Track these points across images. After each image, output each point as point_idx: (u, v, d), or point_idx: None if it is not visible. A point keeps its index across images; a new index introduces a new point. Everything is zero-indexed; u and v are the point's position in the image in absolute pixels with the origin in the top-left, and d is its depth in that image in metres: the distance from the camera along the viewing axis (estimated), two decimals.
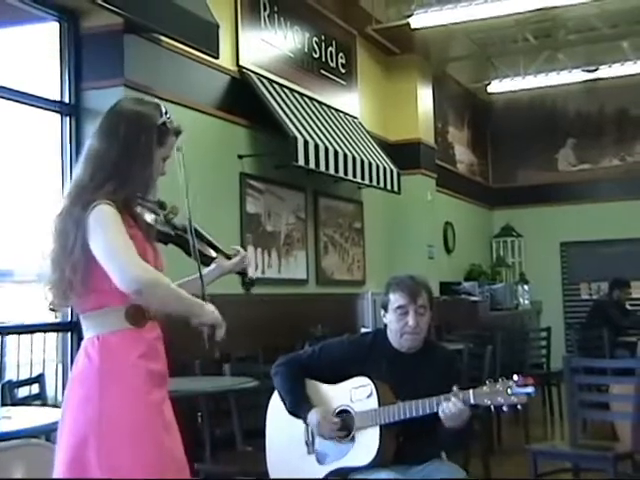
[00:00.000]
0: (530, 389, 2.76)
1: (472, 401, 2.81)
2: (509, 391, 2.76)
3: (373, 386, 3.01)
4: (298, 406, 3.08)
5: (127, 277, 2.13)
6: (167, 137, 2.37)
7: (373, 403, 3.00)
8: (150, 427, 2.23)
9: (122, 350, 2.24)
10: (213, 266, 2.60)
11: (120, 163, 2.27)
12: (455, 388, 2.84)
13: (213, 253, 2.60)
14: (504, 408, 2.79)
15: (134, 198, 2.31)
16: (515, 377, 2.78)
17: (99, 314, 2.26)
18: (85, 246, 2.20)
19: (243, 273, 2.69)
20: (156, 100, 2.46)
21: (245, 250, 2.71)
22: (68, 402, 2.27)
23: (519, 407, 2.79)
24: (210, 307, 2.31)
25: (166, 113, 2.38)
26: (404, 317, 3.08)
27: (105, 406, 2.19)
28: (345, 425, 3.03)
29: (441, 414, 2.83)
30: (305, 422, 3.06)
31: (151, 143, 2.32)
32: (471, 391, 2.82)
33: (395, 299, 3.11)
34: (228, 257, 2.64)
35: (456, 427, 2.85)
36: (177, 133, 2.42)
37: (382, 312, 3.19)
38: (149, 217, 2.39)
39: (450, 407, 2.81)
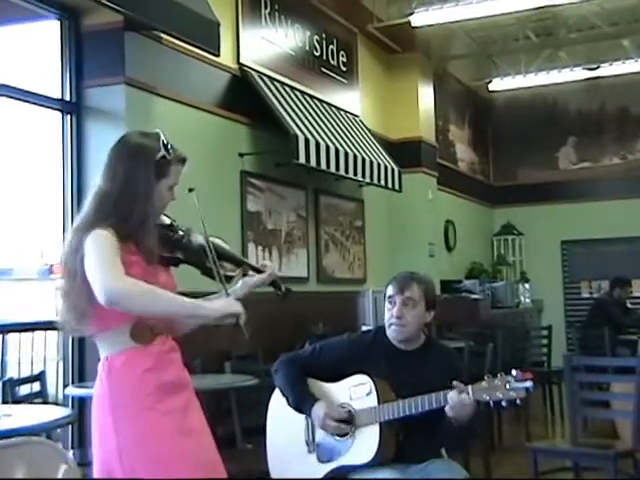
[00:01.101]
0: (528, 384, 2.75)
1: (471, 396, 2.81)
2: (508, 386, 2.76)
3: (372, 384, 3.01)
4: (302, 399, 3.07)
5: (102, 290, 2.18)
6: (168, 168, 2.40)
7: (372, 401, 3.00)
8: (164, 434, 2.29)
9: (127, 368, 2.32)
10: (239, 283, 2.61)
11: (120, 202, 2.33)
12: (456, 382, 2.84)
13: (232, 271, 2.58)
14: (503, 403, 2.79)
15: (135, 231, 2.34)
16: (514, 372, 2.78)
17: (106, 336, 2.35)
18: (84, 270, 2.27)
19: (275, 285, 2.68)
20: (157, 131, 2.45)
21: (272, 262, 2.72)
22: (92, 421, 2.38)
23: (518, 402, 2.79)
24: (214, 304, 2.33)
25: (166, 145, 2.39)
26: (392, 307, 3.11)
27: (118, 422, 2.29)
28: (350, 417, 3.03)
29: (446, 407, 2.83)
30: (309, 415, 3.06)
31: (150, 179, 2.36)
32: (470, 387, 2.82)
33: (387, 290, 3.17)
34: (258, 270, 2.65)
35: (461, 421, 2.84)
36: (181, 161, 2.45)
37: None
38: (157, 241, 2.40)
39: (453, 397, 2.80)
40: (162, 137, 2.41)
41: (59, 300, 2.39)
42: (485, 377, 2.82)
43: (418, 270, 3.43)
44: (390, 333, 3.13)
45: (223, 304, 2.32)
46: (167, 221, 2.53)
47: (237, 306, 2.32)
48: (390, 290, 3.14)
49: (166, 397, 2.32)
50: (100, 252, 2.24)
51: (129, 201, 2.33)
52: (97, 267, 2.22)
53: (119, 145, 2.42)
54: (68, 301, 2.34)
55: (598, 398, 5.06)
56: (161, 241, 2.43)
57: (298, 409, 3.10)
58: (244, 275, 2.64)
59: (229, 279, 2.56)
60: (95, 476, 2.33)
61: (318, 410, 3.02)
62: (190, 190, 2.50)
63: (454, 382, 2.83)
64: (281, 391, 3.17)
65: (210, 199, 5.81)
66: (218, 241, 2.60)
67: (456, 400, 2.80)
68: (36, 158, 5.40)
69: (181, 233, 2.52)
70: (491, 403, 2.81)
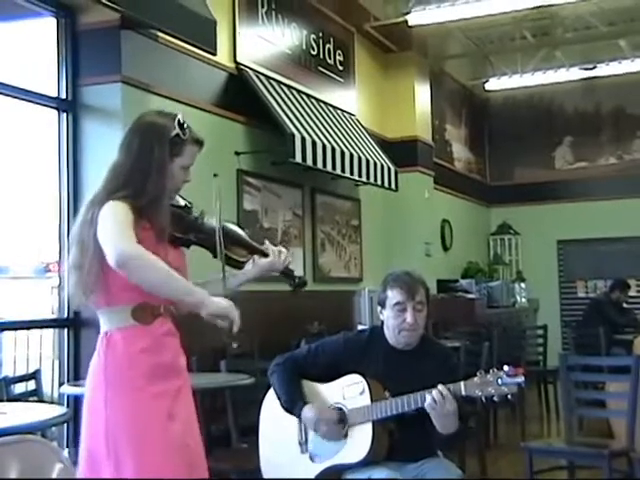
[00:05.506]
0: (520, 379, 2.77)
1: (463, 392, 2.82)
2: (499, 381, 2.77)
3: (365, 383, 3.01)
4: (293, 402, 3.08)
5: (113, 251, 2.21)
6: (183, 148, 2.46)
7: (366, 400, 3.00)
8: (151, 417, 2.31)
9: (125, 345, 2.35)
10: (250, 265, 2.58)
11: (133, 175, 2.38)
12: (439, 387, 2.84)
13: (244, 257, 2.54)
14: (495, 398, 2.80)
15: (148, 207, 2.37)
16: (505, 367, 2.79)
17: (109, 311, 2.39)
18: (97, 243, 2.30)
19: (288, 274, 2.61)
20: (176, 112, 2.51)
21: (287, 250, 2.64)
22: (85, 395, 2.41)
23: (509, 397, 2.80)
24: (217, 299, 2.31)
25: (182, 124, 2.45)
26: (402, 314, 3.07)
27: (109, 398, 2.31)
28: (342, 418, 3.03)
29: (427, 407, 2.83)
30: (299, 418, 3.06)
31: (164, 156, 2.41)
32: (462, 383, 2.83)
33: (393, 296, 3.10)
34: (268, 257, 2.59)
35: (446, 426, 2.85)
36: (197, 142, 2.52)
37: (379, 308, 3.18)
38: (169, 219, 2.41)
39: (434, 396, 2.81)
40: (179, 117, 2.46)
41: (69, 272, 2.41)
42: (477, 373, 2.83)
43: (414, 270, 3.41)
44: (400, 339, 3.10)
45: (223, 302, 2.31)
46: (182, 202, 2.55)
47: (234, 311, 2.30)
48: (398, 296, 3.08)
49: (159, 380, 2.34)
50: (115, 218, 2.28)
51: (142, 175, 2.37)
52: (110, 230, 2.26)
53: (135, 122, 2.50)
54: (78, 274, 2.36)
55: (593, 397, 5.07)
56: (174, 221, 2.45)
57: (289, 411, 3.10)
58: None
59: (241, 264, 2.54)
60: (81, 451, 2.34)
61: (308, 412, 3.02)
62: (215, 175, 2.54)
63: (438, 387, 2.82)
64: (275, 392, 3.17)
65: (206, 198, 5.80)
66: (233, 227, 2.59)
67: (435, 401, 2.80)
68: (32, 156, 5.39)
69: (195, 215, 2.54)
70: (483, 398, 2.82)
